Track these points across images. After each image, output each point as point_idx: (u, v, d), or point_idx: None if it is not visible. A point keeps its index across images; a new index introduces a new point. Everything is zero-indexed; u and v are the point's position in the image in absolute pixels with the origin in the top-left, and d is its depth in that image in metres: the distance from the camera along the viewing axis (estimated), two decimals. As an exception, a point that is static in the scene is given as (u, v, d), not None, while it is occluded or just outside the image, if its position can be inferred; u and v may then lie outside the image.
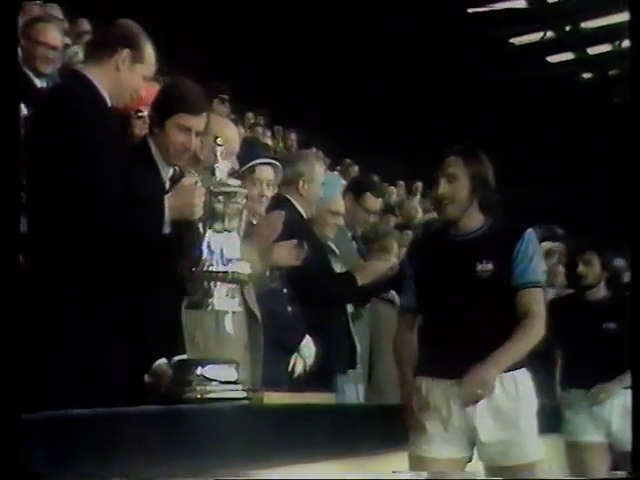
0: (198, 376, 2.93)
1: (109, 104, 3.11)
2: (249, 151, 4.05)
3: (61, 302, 2.92)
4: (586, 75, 17.29)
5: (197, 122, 3.36)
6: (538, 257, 3.29)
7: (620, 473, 4.06)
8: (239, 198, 2.84)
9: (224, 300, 2.81)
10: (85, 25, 7.39)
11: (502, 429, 3.18)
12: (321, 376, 4.04)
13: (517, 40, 16.43)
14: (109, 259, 2.94)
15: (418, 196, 12.15)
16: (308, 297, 4.05)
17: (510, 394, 3.20)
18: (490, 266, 3.16)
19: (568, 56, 16.91)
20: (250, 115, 10.11)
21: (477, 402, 3.12)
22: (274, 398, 3.01)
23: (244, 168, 4.00)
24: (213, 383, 2.92)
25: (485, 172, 3.27)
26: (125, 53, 3.10)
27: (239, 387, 2.96)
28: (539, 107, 15.11)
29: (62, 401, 2.62)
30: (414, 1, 13.65)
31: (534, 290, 3.21)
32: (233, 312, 2.85)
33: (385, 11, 13.65)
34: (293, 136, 10.49)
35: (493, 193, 3.28)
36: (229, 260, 2.78)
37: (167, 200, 2.95)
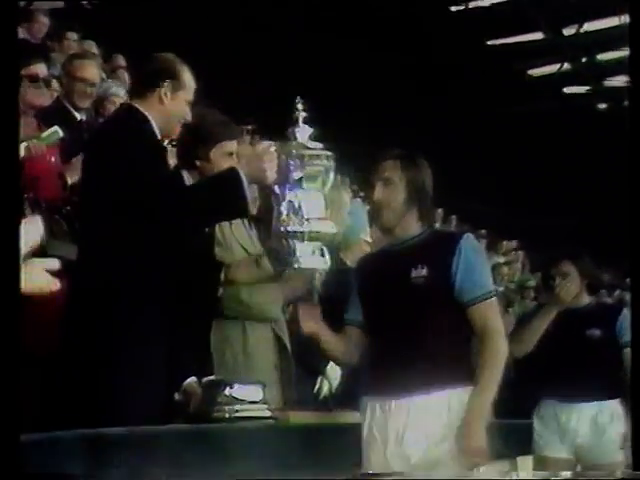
0: (227, 396, 2.97)
1: (157, 131, 3.16)
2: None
3: (99, 319, 2.96)
4: (602, 106, 17.25)
5: (233, 146, 3.47)
6: (481, 265, 2.94)
7: (620, 473, 3.72)
8: (320, 160, 2.85)
9: (311, 258, 2.76)
10: (120, 60, 7.49)
11: (428, 452, 2.85)
12: (347, 396, 4.06)
13: (535, 72, 16.43)
14: (157, 273, 3.00)
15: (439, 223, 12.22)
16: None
17: (441, 415, 2.85)
18: (424, 272, 2.86)
19: (584, 88, 16.89)
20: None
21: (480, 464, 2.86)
22: (300, 417, 3.03)
23: None
24: (241, 403, 2.95)
25: (423, 178, 2.98)
26: (166, 84, 3.15)
27: (265, 406, 2.99)
28: (556, 137, 15.09)
29: (95, 419, 2.66)
30: (433, 33, 13.71)
31: (485, 304, 2.88)
32: (320, 272, 2.81)
33: (404, 43, 13.71)
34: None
35: (431, 200, 3.01)
36: (312, 219, 2.79)
37: (240, 170, 2.97)
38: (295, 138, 2.85)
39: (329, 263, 2.80)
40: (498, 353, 2.86)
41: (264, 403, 3.02)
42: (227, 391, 3.01)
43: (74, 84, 4.63)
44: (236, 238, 3.62)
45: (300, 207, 2.79)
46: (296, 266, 2.73)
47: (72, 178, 3.98)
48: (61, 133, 3.84)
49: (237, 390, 3.00)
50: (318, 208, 2.85)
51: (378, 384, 2.90)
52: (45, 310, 3.17)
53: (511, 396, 4.51)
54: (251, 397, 3.01)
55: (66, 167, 4.03)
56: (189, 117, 3.23)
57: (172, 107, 3.17)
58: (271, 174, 2.90)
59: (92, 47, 6.86)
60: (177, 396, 3.12)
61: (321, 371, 3.96)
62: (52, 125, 3.95)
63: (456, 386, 2.85)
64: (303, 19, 13.04)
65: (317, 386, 3.98)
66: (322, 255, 2.75)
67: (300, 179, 2.82)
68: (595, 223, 14.38)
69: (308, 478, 2.73)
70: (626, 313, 4.51)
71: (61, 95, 4.58)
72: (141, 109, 3.14)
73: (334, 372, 3.97)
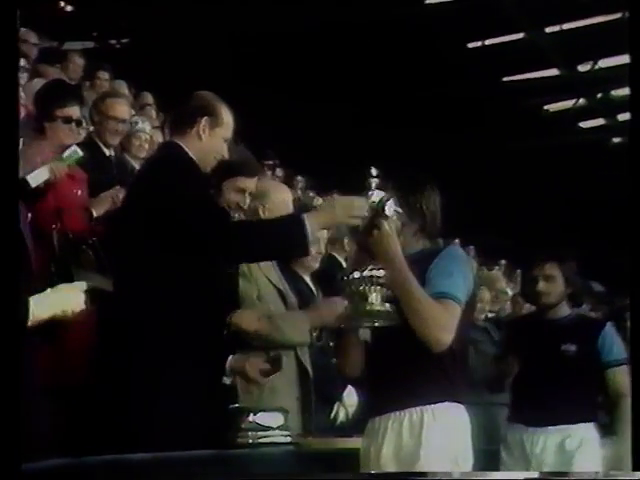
0: (250, 422, 2.98)
1: (198, 165, 3.21)
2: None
3: (131, 347, 3.00)
4: (617, 139, 17.21)
5: (251, 184, 3.51)
6: (455, 273, 2.75)
7: (620, 473, 3.47)
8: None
9: (379, 303, 2.69)
10: (148, 98, 7.58)
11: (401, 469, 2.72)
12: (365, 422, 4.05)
13: (551, 107, 16.45)
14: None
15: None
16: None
17: (413, 432, 2.71)
18: None
19: (599, 122, 16.88)
20: (299, 178, 10.22)
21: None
22: (321, 443, 3.03)
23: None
24: (264, 429, 2.97)
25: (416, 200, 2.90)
26: (204, 121, 3.19)
27: (287, 433, 3.00)
28: (572, 171, 15.06)
29: (122, 446, 2.67)
30: (450, 69, 13.76)
31: (445, 301, 2.70)
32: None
33: (421, 79, 13.77)
34: (336, 196, 10.57)
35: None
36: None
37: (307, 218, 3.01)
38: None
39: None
40: (436, 312, 2.68)
41: (286, 429, 3.03)
42: (251, 418, 3.05)
43: (106, 122, 4.68)
44: (262, 271, 3.64)
45: None
46: (368, 308, 2.67)
47: (97, 211, 4.03)
48: (80, 152, 3.88)
49: (260, 417, 3.02)
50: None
51: (370, 401, 2.90)
52: (78, 339, 3.22)
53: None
54: (273, 424, 3.03)
55: (92, 201, 4.08)
56: (226, 154, 3.27)
57: (209, 143, 3.20)
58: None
59: (122, 86, 6.95)
60: (226, 380, 3.12)
61: (337, 397, 3.97)
62: (83, 163, 4.00)
63: (430, 403, 2.71)
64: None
65: (334, 412, 3.98)
66: (385, 301, 2.70)
67: None
68: (607, 255, 14.29)
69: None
70: (610, 329, 4.00)
71: (93, 133, 4.63)
72: (182, 145, 3.18)
73: (351, 398, 3.97)
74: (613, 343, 3.97)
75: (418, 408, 2.70)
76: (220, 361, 3.27)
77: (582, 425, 3.91)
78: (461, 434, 2.76)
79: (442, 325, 2.65)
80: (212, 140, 3.21)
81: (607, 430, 4.00)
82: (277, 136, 10.56)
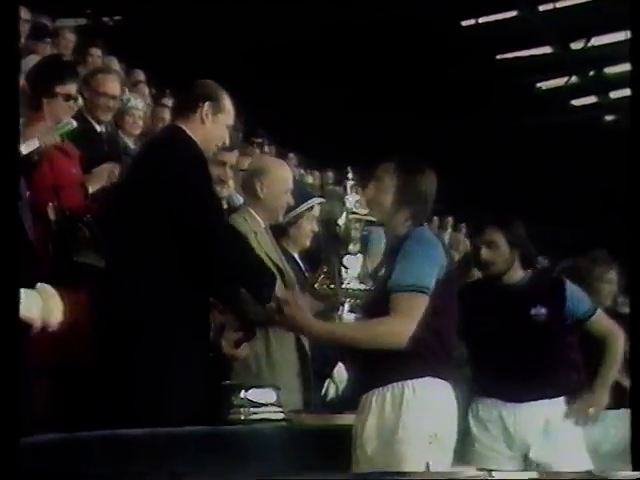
0: (242, 399, 3.01)
1: (201, 149, 3.23)
2: (297, 189, 4.17)
3: (125, 323, 3.02)
4: (609, 118, 17.22)
5: (232, 157, 3.55)
6: (422, 257, 2.75)
7: (620, 473, 3.15)
8: (364, 224, 3.11)
9: (349, 315, 3.01)
10: (140, 75, 7.56)
11: (380, 444, 2.76)
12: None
13: (543, 85, 16.44)
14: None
15: (449, 230, 12.30)
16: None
17: (394, 406, 2.74)
18: (382, 271, 2.90)
19: (592, 100, 16.88)
20: (292, 155, 10.23)
21: None
22: (313, 420, 3.07)
23: (306, 206, 4.16)
24: (256, 406, 3.00)
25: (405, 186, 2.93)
26: (207, 106, 3.25)
27: (280, 409, 3.03)
28: (564, 149, 15.08)
29: (114, 421, 2.70)
30: (443, 47, 13.73)
31: (394, 297, 2.73)
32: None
33: (414, 60, 13.74)
34: (330, 174, 10.57)
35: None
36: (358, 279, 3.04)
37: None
38: (345, 205, 3.09)
39: None
40: (383, 325, 2.81)
41: (278, 406, 3.07)
42: (242, 394, 3.07)
43: (96, 98, 4.67)
44: (264, 249, 3.67)
45: (354, 268, 3.07)
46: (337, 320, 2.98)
47: (93, 188, 4.04)
48: (75, 124, 3.88)
49: (252, 393, 3.05)
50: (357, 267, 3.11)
51: (358, 379, 2.98)
52: (73, 318, 3.23)
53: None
54: (265, 400, 3.06)
55: (87, 177, 4.09)
56: (227, 141, 3.32)
57: (212, 128, 3.27)
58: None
59: (114, 62, 6.92)
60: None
61: (328, 374, 4.00)
62: (74, 139, 4.00)
63: (411, 378, 2.74)
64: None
65: (324, 389, 4.01)
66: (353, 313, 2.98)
67: (354, 241, 3.11)
68: (599, 233, 14.35)
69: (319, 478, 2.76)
70: (570, 285, 3.73)
71: (83, 109, 4.62)
72: (185, 128, 3.22)
73: (341, 375, 4.00)
74: (579, 296, 3.75)
75: (400, 383, 2.73)
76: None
77: (563, 398, 3.63)
78: (441, 409, 2.76)
79: (391, 331, 2.73)
80: (214, 126, 3.27)
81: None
82: (269, 113, 10.54)
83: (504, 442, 3.57)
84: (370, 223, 3.06)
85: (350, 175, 3.05)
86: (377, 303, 2.83)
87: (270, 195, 3.77)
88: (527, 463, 3.53)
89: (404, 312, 2.71)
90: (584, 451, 3.61)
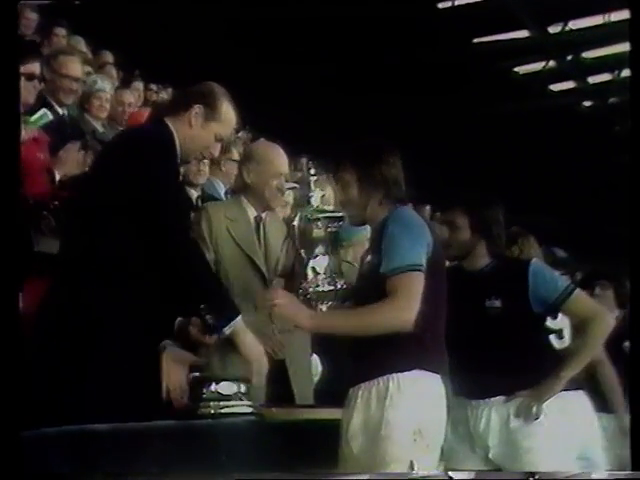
0: (212, 392, 2.97)
1: (178, 148, 3.10)
2: None
3: (83, 311, 2.95)
4: (587, 103, 17.29)
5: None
6: (409, 237, 2.70)
7: (620, 473, 3.18)
8: (335, 222, 2.95)
9: None
10: (108, 57, 7.45)
11: (366, 442, 2.70)
12: (330, 392, 4.06)
13: (521, 69, 16.47)
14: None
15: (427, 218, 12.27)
16: None
17: (380, 400, 2.68)
18: (369, 257, 2.84)
19: (569, 85, 16.94)
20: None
21: None
22: (283, 413, 3.03)
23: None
24: (226, 399, 2.96)
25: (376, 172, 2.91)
26: (197, 109, 3.08)
27: (249, 403, 3.00)
28: (542, 134, 15.13)
29: (80, 416, 2.65)
30: (419, 30, 13.70)
31: (391, 280, 2.67)
32: None
33: (389, 42, 13.70)
34: (302, 160, 10.52)
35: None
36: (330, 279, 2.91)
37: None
38: (309, 203, 2.94)
39: None
40: (385, 307, 2.72)
41: (248, 400, 3.03)
42: (213, 387, 3.02)
43: (59, 80, 4.59)
44: (232, 236, 3.62)
45: (325, 269, 2.91)
46: None
47: (59, 172, 3.96)
48: (51, 116, 3.81)
49: (222, 386, 3.01)
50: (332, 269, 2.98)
51: (349, 372, 2.85)
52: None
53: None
54: (237, 393, 3.02)
55: (53, 161, 4.01)
56: (214, 151, 3.19)
57: (198, 133, 3.09)
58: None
59: (80, 43, 6.81)
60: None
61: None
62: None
63: (397, 371, 2.68)
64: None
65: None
66: None
67: (322, 241, 2.93)
68: (581, 220, 14.43)
69: (293, 474, 2.74)
70: (537, 269, 3.41)
71: (44, 90, 4.53)
72: (170, 126, 3.08)
73: (315, 368, 3.96)
74: (546, 280, 3.41)
75: (385, 377, 2.67)
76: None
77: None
78: (427, 405, 2.69)
79: (394, 315, 2.65)
80: (202, 132, 3.10)
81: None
82: (245, 99, 10.45)
83: (468, 443, 3.38)
84: (336, 219, 2.95)
85: (312, 170, 2.94)
86: (366, 293, 2.76)
87: (258, 181, 3.70)
88: (489, 465, 3.34)
89: (404, 293, 2.64)
90: (556, 451, 3.32)
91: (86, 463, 2.43)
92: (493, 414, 3.35)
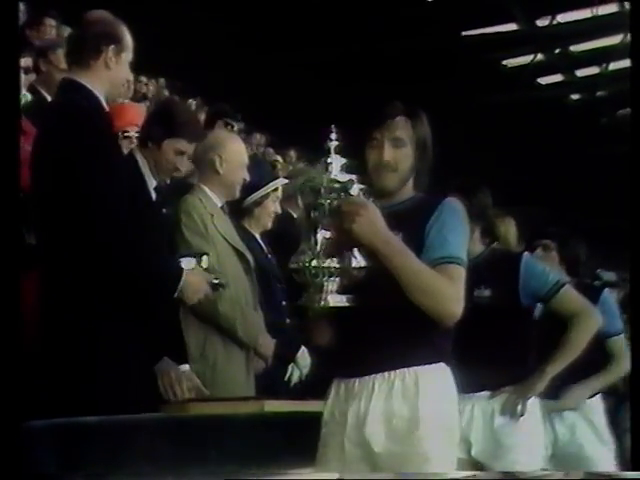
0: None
1: (106, 108, 3.00)
2: (264, 169, 4.05)
3: (73, 308, 2.89)
4: (574, 96, 17.30)
5: (191, 148, 3.40)
6: (458, 231, 2.48)
7: (620, 473, 2.99)
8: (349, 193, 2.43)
9: (336, 296, 2.40)
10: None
11: (394, 439, 2.41)
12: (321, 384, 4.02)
13: (509, 62, 16.45)
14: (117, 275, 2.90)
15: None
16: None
17: (407, 395, 2.41)
18: (399, 237, 2.43)
19: (557, 78, 16.94)
20: (257, 135, 10.10)
21: None
22: (275, 406, 2.99)
23: (272, 187, 4.05)
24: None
25: (429, 139, 2.65)
26: (110, 50, 2.97)
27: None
28: (530, 126, 15.13)
29: (71, 408, 2.61)
30: (409, 23, 13.67)
31: (449, 267, 2.42)
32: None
33: (378, 34, 13.66)
34: (292, 153, 10.44)
35: (430, 166, 2.65)
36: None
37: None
38: (327, 170, 2.42)
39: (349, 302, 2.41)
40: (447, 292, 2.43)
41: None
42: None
43: (56, 73, 4.51)
44: (220, 231, 3.56)
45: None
46: (322, 304, 2.38)
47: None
48: (29, 97, 3.73)
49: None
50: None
51: (344, 362, 2.50)
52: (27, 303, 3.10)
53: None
54: None
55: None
56: (131, 77, 3.08)
57: (118, 71, 2.99)
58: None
59: (68, 32, 6.71)
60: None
61: (291, 359, 3.92)
62: (27, 113, 3.85)
63: (425, 364, 2.44)
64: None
65: (288, 374, 3.94)
66: (343, 293, 2.40)
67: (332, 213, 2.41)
68: (563, 209, 14.44)
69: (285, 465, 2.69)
70: (529, 262, 3.37)
71: (36, 81, 4.46)
72: (85, 83, 2.94)
73: (304, 360, 3.93)
74: (538, 273, 3.35)
75: (412, 369, 2.42)
76: (172, 325, 3.18)
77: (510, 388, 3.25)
78: (453, 400, 2.51)
79: (451, 297, 2.40)
80: (119, 67, 2.99)
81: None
82: (235, 91, 10.40)
83: None
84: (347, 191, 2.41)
85: (334, 136, 2.42)
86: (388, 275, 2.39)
87: (228, 170, 3.65)
88: (471, 463, 3.19)
89: (459, 285, 2.41)
90: (537, 449, 3.26)
91: (73, 458, 2.39)
92: (476, 410, 3.23)
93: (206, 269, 3.12)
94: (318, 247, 2.37)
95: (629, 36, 14.88)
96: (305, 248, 2.38)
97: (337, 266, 2.35)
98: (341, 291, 2.37)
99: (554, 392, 3.52)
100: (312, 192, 2.38)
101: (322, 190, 2.38)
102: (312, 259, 2.35)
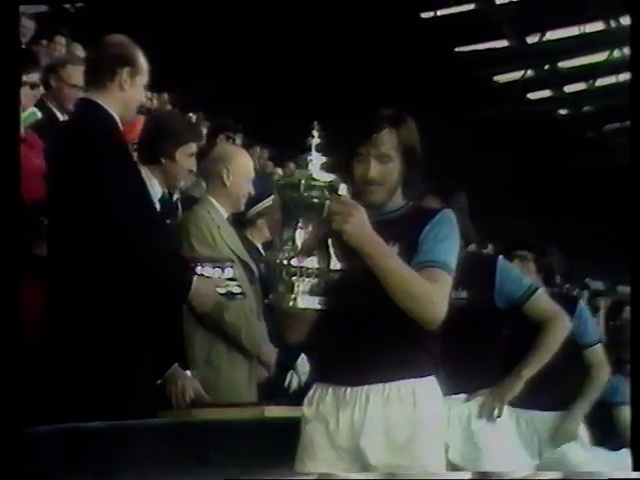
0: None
1: (121, 127, 3.07)
2: (265, 182, 4.07)
3: (78, 312, 2.91)
4: (562, 111, 17.38)
5: (196, 148, 3.47)
6: (450, 239, 2.42)
7: (620, 473, 3.10)
8: (328, 192, 2.31)
9: (308, 298, 2.26)
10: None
11: (392, 452, 2.34)
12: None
13: (500, 78, 16.53)
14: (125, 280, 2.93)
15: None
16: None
17: (405, 409, 2.35)
18: (396, 248, 2.37)
19: (546, 93, 17.01)
20: (258, 148, 10.12)
21: None
22: (275, 411, 3.01)
23: (271, 200, 4.07)
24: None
25: (417, 146, 2.54)
26: (125, 72, 3.05)
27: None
28: (519, 140, 15.19)
29: (74, 414, 2.62)
30: (402, 39, 13.71)
31: (435, 271, 2.35)
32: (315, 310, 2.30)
33: (371, 50, 13.70)
34: (292, 166, 10.47)
35: (421, 173, 2.55)
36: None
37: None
38: (307, 167, 2.32)
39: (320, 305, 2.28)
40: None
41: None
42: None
43: (66, 88, 4.53)
44: (226, 242, 3.59)
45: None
46: (291, 304, 2.26)
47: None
48: (39, 114, 3.75)
49: None
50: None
51: (332, 369, 2.42)
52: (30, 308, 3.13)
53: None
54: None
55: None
56: (144, 99, 3.10)
57: (132, 93, 3.07)
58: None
59: (78, 49, 6.75)
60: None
61: (291, 366, 3.95)
62: (36, 129, 3.88)
63: (422, 375, 2.39)
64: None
65: (287, 380, 3.96)
66: (315, 295, 2.28)
67: (313, 210, 2.31)
68: (552, 224, 14.48)
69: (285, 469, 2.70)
70: (504, 265, 3.36)
71: (45, 96, 4.48)
72: (101, 103, 3.02)
73: (304, 367, 3.95)
74: (513, 277, 3.33)
75: (408, 381, 2.37)
76: (174, 330, 3.20)
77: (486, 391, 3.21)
78: (445, 412, 2.50)
79: (434, 300, 2.33)
80: (133, 90, 3.07)
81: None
82: (237, 105, 10.43)
83: None
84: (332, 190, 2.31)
85: (316, 133, 2.34)
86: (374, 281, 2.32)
87: (235, 183, 3.69)
88: (448, 465, 2.87)
89: (444, 291, 2.35)
90: (513, 451, 3.24)
91: (76, 463, 2.40)
92: (453, 413, 3.12)
93: (231, 279, 3.13)
94: (298, 244, 2.26)
95: (615, 53, 15.04)
96: (282, 245, 2.29)
97: (315, 267, 2.25)
98: (314, 293, 2.26)
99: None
100: (291, 188, 2.29)
101: (301, 187, 2.27)
102: (290, 257, 2.25)
